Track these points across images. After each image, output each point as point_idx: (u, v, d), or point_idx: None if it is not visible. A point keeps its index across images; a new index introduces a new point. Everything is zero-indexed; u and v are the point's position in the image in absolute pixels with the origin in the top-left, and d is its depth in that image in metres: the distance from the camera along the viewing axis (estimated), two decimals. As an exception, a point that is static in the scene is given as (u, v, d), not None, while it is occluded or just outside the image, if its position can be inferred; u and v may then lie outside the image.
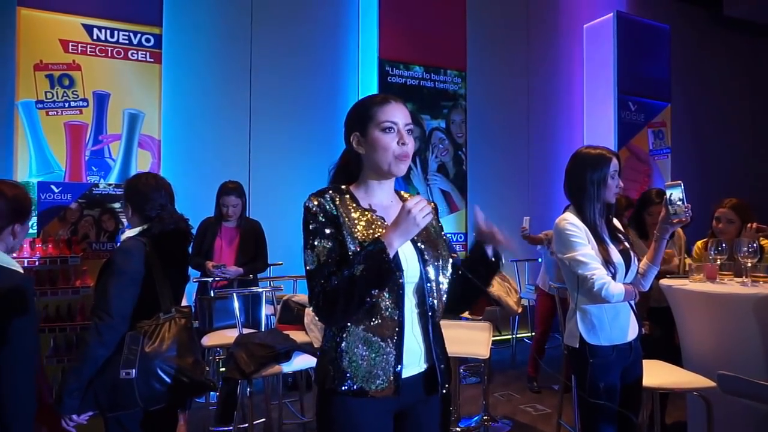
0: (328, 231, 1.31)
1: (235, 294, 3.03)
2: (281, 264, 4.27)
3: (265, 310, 3.21)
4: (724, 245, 2.67)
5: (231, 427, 2.87)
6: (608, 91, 6.32)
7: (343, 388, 1.30)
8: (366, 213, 1.37)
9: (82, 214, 3.54)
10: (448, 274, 1.42)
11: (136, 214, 1.94)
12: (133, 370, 1.74)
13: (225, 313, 3.30)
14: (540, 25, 6.37)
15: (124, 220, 2.04)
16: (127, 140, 4.08)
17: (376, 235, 1.30)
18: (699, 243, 3.19)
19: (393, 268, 1.25)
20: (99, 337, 1.73)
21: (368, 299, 1.25)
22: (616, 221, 2.14)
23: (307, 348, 2.74)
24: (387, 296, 1.31)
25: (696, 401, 2.44)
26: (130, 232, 1.92)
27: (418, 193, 1.43)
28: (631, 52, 6.34)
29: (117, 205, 3.58)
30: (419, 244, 1.38)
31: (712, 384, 2.12)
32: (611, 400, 1.94)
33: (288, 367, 2.55)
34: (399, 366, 1.31)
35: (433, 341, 1.37)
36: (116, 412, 1.77)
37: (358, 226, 1.33)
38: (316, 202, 1.34)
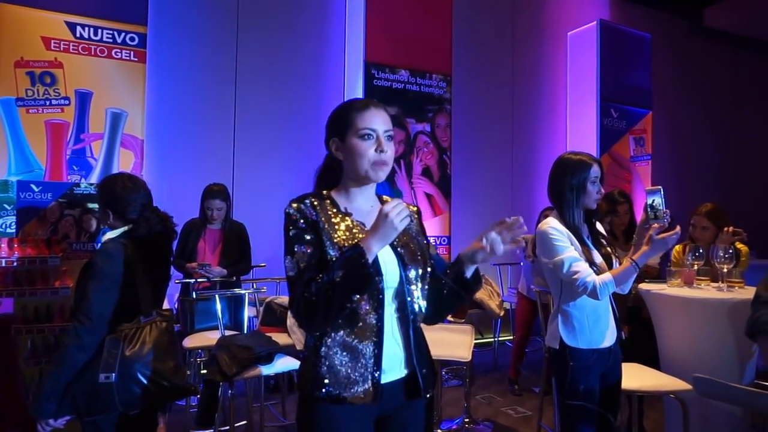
0: (308, 237, 1.31)
1: (217, 295, 3.02)
2: (264, 266, 4.26)
3: (248, 312, 3.20)
4: (701, 251, 2.73)
5: (212, 430, 2.85)
6: (591, 97, 6.41)
7: (321, 393, 1.29)
8: (346, 218, 1.37)
9: (63, 214, 3.49)
10: (428, 278, 1.41)
11: (118, 219, 1.91)
12: (113, 374, 1.71)
13: (207, 314, 3.29)
14: (525, 32, 6.44)
15: (106, 223, 1.99)
16: (109, 140, 4.04)
17: (355, 241, 1.29)
18: (678, 247, 3.24)
19: (372, 273, 1.24)
20: (78, 340, 1.70)
21: (348, 305, 1.24)
22: (599, 226, 2.17)
23: (289, 350, 2.74)
24: (366, 301, 1.31)
25: (673, 403, 2.49)
26: (110, 234, 1.89)
27: (401, 196, 1.41)
28: (613, 60, 6.44)
29: (98, 205, 3.54)
30: (399, 249, 1.38)
31: (689, 387, 2.16)
32: (590, 402, 1.97)
33: (270, 370, 2.55)
34: (378, 372, 1.30)
35: (414, 346, 1.37)
36: (94, 416, 1.75)
37: (338, 232, 1.33)
38: (296, 208, 1.33)
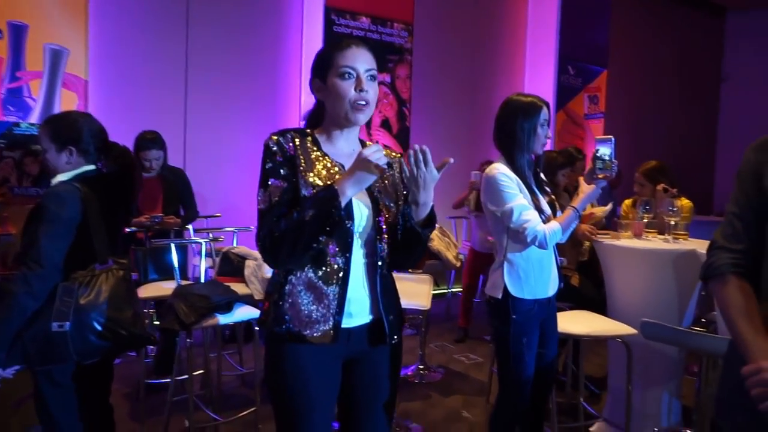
0: (283, 171, 1.29)
1: (173, 245, 2.94)
2: (219, 216, 4.16)
3: (205, 262, 3.13)
4: (650, 205, 2.85)
5: (169, 380, 2.83)
6: (550, 53, 6.44)
7: (281, 330, 1.29)
8: (325, 157, 1.35)
9: (2, 156, 3.26)
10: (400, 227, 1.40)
11: (81, 155, 1.79)
12: (67, 323, 1.65)
13: (161, 264, 3.21)
14: (487, -18, 6.34)
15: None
16: (49, 79, 3.76)
17: (330, 182, 1.27)
18: (627, 201, 3.39)
19: (342, 216, 1.23)
20: (28, 287, 1.62)
21: (315, 245, 1.24)
22: (542, 175, 2.14)
23: (247, 300, 2.72)
24: (335, 244, 1.30)
25: (618, 347, 2.64)
26: (62, 177, 1.78)
27: (377, 142, 1.38)
28: (574, 16, 6.46)
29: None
30: (375, 194, 1.36)
31: (634, 331, 2.29)
32: (531, 351, 1.99)
33: (228, 318, 2.52)
34: (340, 315, 1.30)
35: (381, 292, 1.37)
36: (47, 366, 1.69)
37: (315, 170, 1.31)
38: (275, 141, 1.30)
